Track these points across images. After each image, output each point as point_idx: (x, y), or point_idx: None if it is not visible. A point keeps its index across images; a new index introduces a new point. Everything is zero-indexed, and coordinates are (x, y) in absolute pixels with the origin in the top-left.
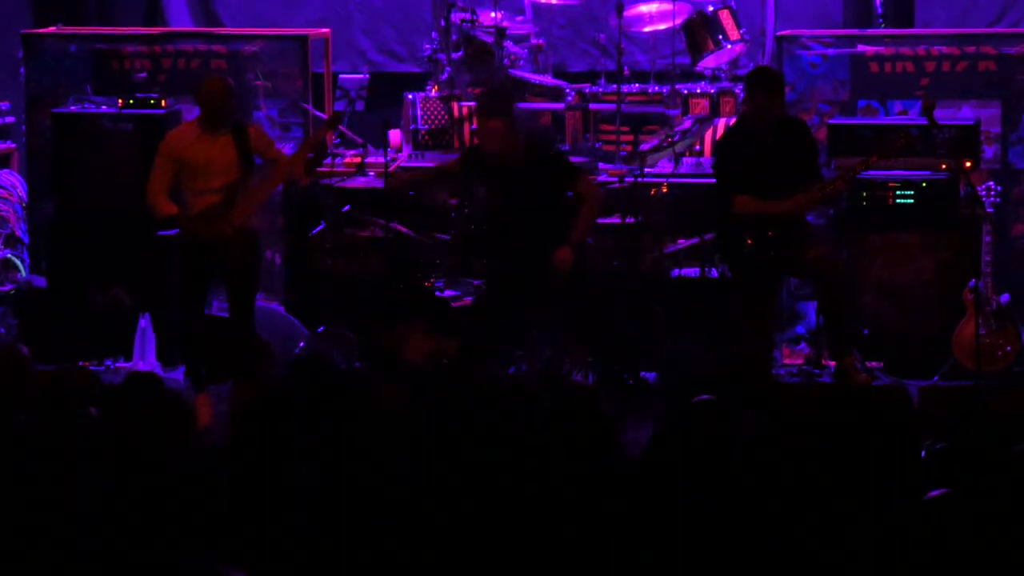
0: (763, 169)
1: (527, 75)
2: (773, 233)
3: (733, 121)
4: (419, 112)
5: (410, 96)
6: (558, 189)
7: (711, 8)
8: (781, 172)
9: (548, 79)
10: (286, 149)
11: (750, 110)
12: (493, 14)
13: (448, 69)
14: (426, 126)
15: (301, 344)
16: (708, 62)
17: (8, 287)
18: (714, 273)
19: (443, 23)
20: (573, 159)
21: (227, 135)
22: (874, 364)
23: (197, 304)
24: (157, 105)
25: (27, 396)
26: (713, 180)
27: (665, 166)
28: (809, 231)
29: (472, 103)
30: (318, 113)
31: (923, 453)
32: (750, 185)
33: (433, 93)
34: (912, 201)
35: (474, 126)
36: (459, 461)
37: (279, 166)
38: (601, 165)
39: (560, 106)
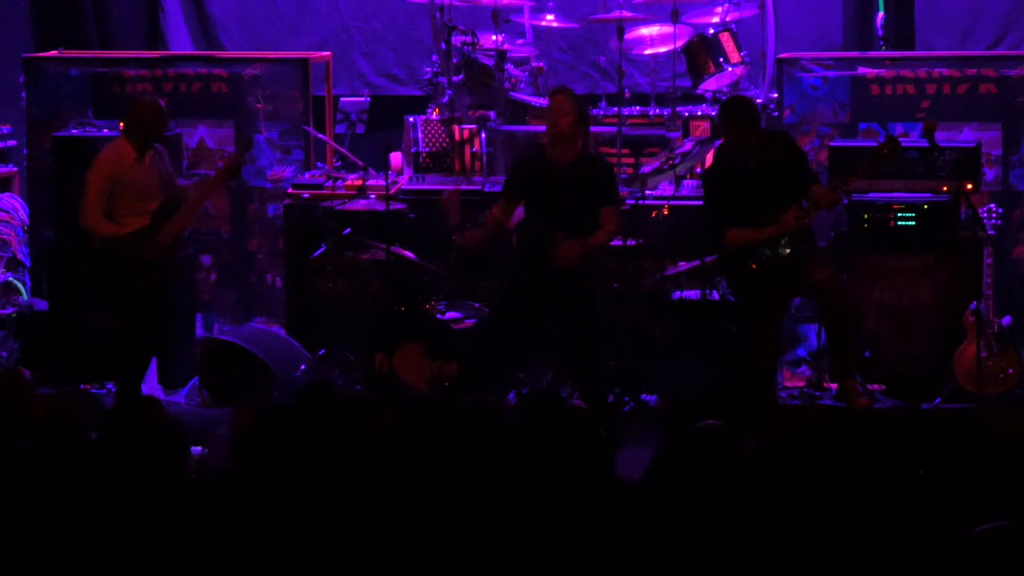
0: (751, 195)
1: (528, 98)
2: (777, 256)
3: (712, 154)
4: (420, 135)
5: (411, 119)
6: (595, 202)
7: (712, 31)
8: (770, 192)
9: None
10: (287, 172)
11: (729, 140)
12: (494, 37)
13: (449, 92)
14: (427, 149)
15: (302, 367)
16: (709, 84)
17: (9, 310)
18: (715, 295)
19: (444, 46)
20: None
21: (150, 157)
22: (875, 387)
23: (143, 322)
24: None
25: (28, 420)
26: None
27: (666, 188)
28: (814, 252)
29: (472, 126)
30: (319, 135)
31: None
32: (743, 213)
33: (434, 116)
34: (913, 224)
35: (475, 148)
36: (456, 485)
37: (195, 191)
38: None
39: None
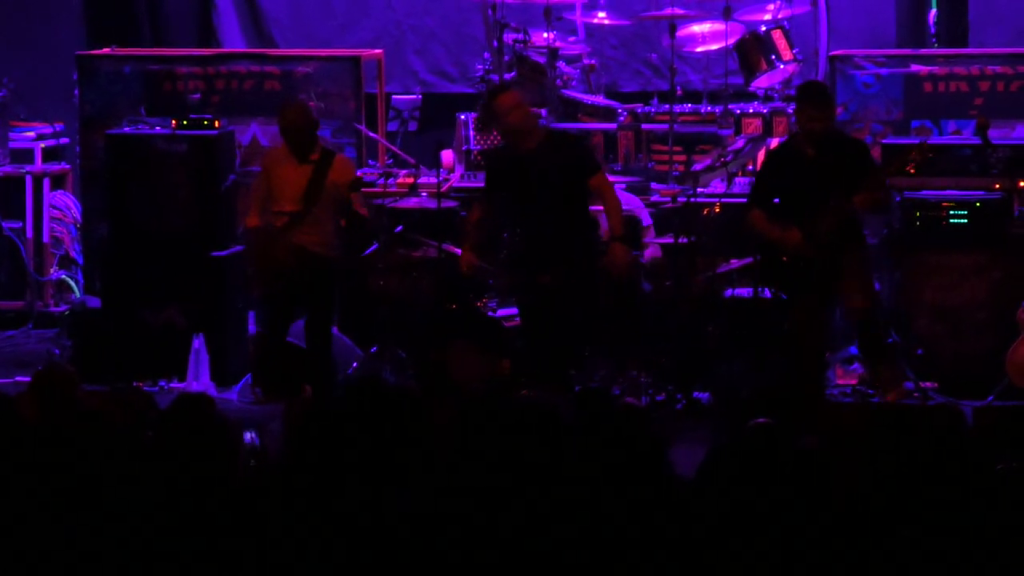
0: (799, 184)
1: (579, 95)
2: (804, 258)
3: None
4: (471, 132)
5: (463, 116)
6: (578, 177)
7: (764, 28)
8: (818, 189)
9: (600, 99)
10: None
11: (797, 123)
12: (546, 34)
13: None
14: (479, 146)
15: (354, 364)
16: (761, 82)
17: (63, 308)
18: (767, 293)
19: (496, 43)
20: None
21: (310, 164)
22: (928, 384)
23: (276, 320)
24: (211, 126)
25: (74, 416)
26: None
27: (718, 186)
28: (841, 264)
29: None
30: (371, 133)
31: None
32: (783, 199)
33: None
34: (966, 221)
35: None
36: (507, 482)
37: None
38: (654, 185)
39: (612, 126)
